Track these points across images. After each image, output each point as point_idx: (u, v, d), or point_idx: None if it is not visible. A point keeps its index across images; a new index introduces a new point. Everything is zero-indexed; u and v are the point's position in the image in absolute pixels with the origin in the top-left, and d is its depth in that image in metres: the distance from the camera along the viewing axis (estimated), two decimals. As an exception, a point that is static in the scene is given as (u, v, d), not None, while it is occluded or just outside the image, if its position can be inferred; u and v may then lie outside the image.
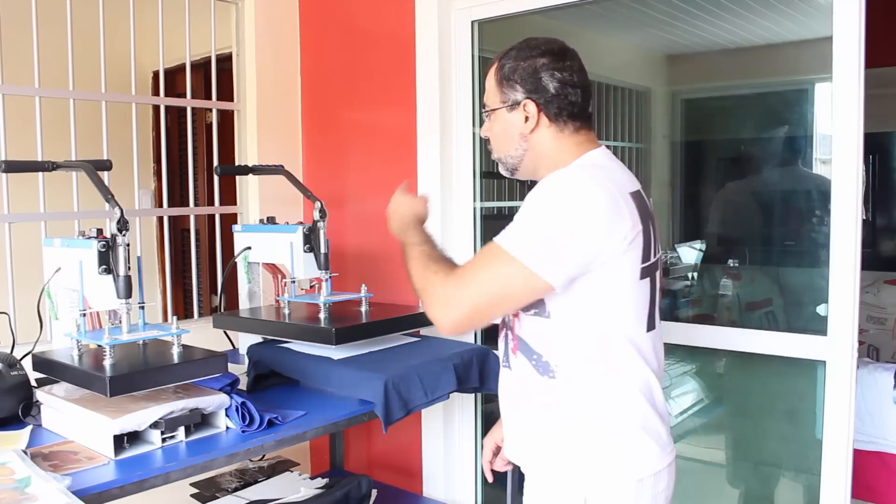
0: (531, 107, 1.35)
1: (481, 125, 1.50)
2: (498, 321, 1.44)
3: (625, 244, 1.25)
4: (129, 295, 1.57)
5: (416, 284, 1.38)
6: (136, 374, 1.49)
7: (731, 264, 2.44)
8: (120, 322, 1.60)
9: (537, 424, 1.36)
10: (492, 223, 2.55)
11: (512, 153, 1.40)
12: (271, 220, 2.28)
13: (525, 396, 1.37)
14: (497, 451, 1.61)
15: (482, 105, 1.43)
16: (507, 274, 1.24)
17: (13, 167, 1.77)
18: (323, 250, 2.08)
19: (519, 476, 1.50)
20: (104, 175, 1.96)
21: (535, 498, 1.41)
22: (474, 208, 2.48)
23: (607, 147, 1.41)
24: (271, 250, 2.20)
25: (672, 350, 2.20)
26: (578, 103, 1.35)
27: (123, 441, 1.47)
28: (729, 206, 2.46)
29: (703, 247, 2.50)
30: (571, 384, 1.31)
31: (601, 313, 1.29)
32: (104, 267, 1.57)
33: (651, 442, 1.32)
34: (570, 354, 1.30)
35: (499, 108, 1.38)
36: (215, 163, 2.55)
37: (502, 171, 1.45)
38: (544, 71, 1.34)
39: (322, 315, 2.05)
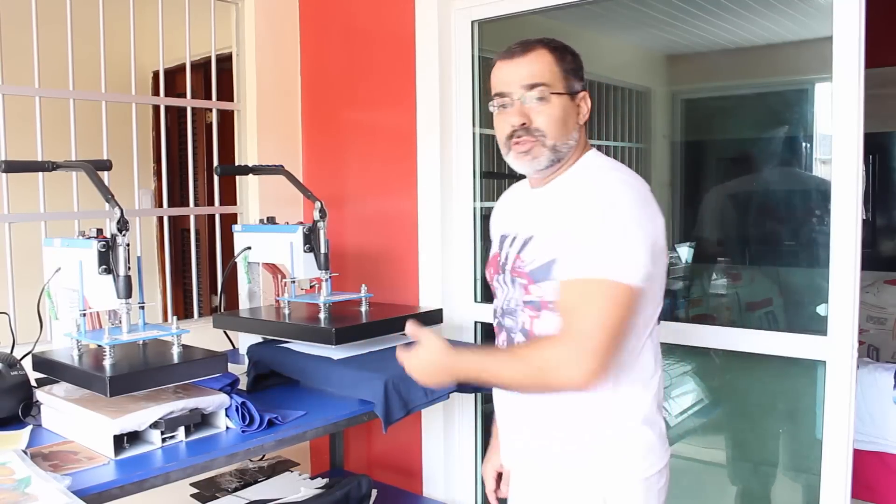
0: (587, 100, 1.36)
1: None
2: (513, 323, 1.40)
3: (664, 240, 1.30)
4: (129, 295, 1.57)
5: (527, 385, 1.27)
6: (136, 374, 1.49)
7: (731, 264, 2.44)
8: (120, 322, 1.60)
9: (556, 426, 1.33)
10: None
11: (569, 141, 1.34)
12: (271, 220, 2.28)
13: (542, 398, 1.34)
14: (499, 477, 1.59)
15: (526, 87, 1.31)
16: (617, 300, 1.19)
17: (13, 167, 1.77)
18: (323, 250, 2.08)
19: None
20: (104, 175, 1.96)
21: (552, 501, 1.37)
22: (474, 208, 2.48)
23: (608, 147, 1.42)
24: (271, 250, 2.20)
25: (672, 350, 2.20)
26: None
27: (123, 441, 1.47)
28: (729, 205, 2.46)
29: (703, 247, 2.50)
30: None
31: None
32: (104, 267, 1.57)
33: (660, 439, 1.34)
34: None
35: (564, 93, 1.33)
36: (215, 163, 2.55)
37: (542, 162, 1.33)
38: (582, 70, 1.37)
39: (322, 315, 2.05)
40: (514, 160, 1.36)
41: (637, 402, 1.31)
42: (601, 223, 1.21)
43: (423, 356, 1.31)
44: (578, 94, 1.35)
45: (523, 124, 1.32)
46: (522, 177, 1.47)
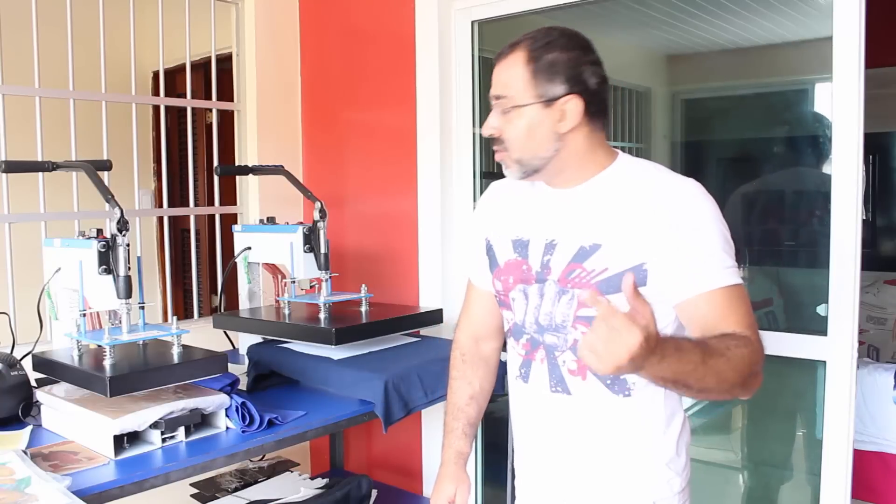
0: (575, 103, 1.20)
1: (481, 123, 1.38)
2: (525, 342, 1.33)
3: None
4: (129, 295, 1.57)
5: (735, 387, 1.11)
6: (136, 374, 1.49)
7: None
8: (120, 322, 1.60)
9: (607, 448, 1.27)
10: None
11: (540, 153, 1.23)
12: (271, 221, 2.28)
13: (593, 421, 1.27)
14: None
15: (494, 97, 1.24)
16: (747, 299, 1.19)
17: (13, 167, 1.77)
18: (323, 250, 2.08)
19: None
20: (104, 175, 1.96)
21: None
22: (474, 208, 2.47)
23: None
24: (271, 250, 2.20)
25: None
26: (607, 101, 1.27)
27: (123, 441, 1.47)
28: (728, 205, 2.46)
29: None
30: (646, 399, 1.25)
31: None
32: (104, 267, 1.57)
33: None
34: None
35: (530, 103, 1.20)
36: (215, 163, 2.56)
37: (514, 174, 1.27)
38: (585, 65, 1.22)
39: (322, 315, 2.05)
40: None
41: (680, 410, 1.32)
42: (714, 234, 1.17)
43: (622, 339, 0.95)
44: (559, 100, 1.20)
45: (491, 135, 1.26)
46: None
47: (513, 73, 1.22)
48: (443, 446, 1.51)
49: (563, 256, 1.25)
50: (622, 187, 1.24)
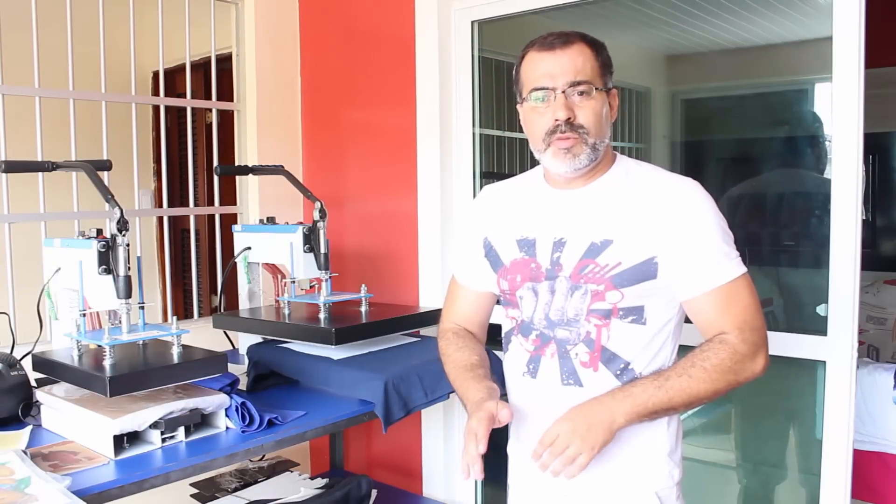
0: (617, 98, 1.33)
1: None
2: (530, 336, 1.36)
3: None
4: (129, 295, 1.57)
5: (721, 391, 1.25)
6: (136, 374, 1.49)
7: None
8: (120, 322, 1.60)
9: (615, 439, 1.26)
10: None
11: (605, 140, 1.30)
12: (271, 221, 2.28)
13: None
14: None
15: (571, 84, 1.25)
16: (752, 287, 1.28)
17: (13, 167, 1.77)
18: (323, 250, 2.08)
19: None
20: (104, 175, 1.96)
21: None
22: (466, 211, 2.47)
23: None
24: (271, 250, 2.20)
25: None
26: None
27: (123, 441, 1.47)
28: (728, 206, 2.46)
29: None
30: None
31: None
32: (104, 267, 1.57)
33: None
34: (658, 359, 1.30)
35: (602, 89, 1.28)
36: (215, 163, 2.55)
37: (583, 160, 1.27)
38: (612, 67, 1.33)
39: (322, 315, 2.05)
40: (551, 158, 1.28)
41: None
42: (712, 226, 1.25)
43: (563, 428, 1.20)
44: (612, 92, 1.31)
45: (568, 119, 1.25)
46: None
47: (586, 61, 1.26)
48: (467, 397, 1.34)
49: (575, 253, 1.29)
50: (627, 186, 1.31)
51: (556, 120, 1.25)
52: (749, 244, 2.38)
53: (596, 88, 1.26)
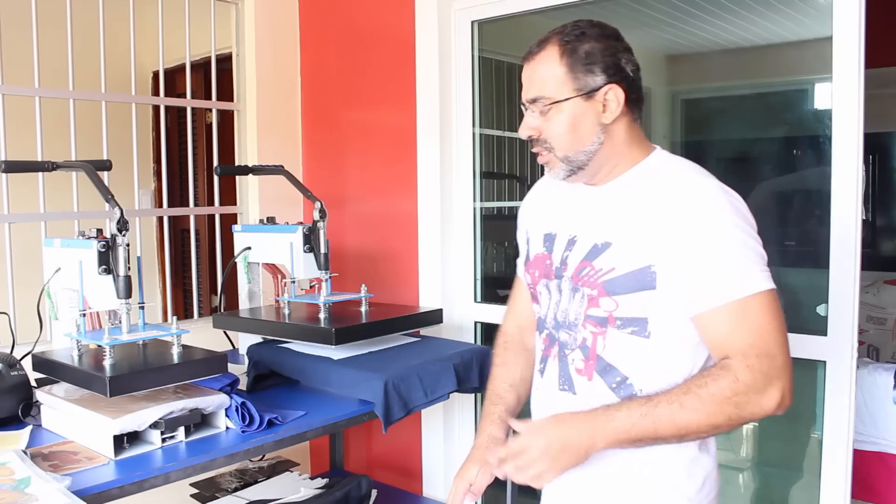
0: (616, 93, 1.19)
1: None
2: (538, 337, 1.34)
3: None
4: (128, 295, 1.57)
5: (720, 425, 1.11)
6: (136, 374, 1.49)
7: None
8: (120, 322, 1.60)
9: (605, 453, 1.20)
10: (492, 223, 2.55)
11: (585, 147, 1.21)
12: (271, 221, 2.28)
13: None
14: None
15: (529, 101, 1.22)
16: (775, 308, 1.13)
17: (13, 167, 1.77)
18: (323, 250, 2.08)
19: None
20: (104, 175, 1.96)
21: None
22: (474, 208, 2.48)
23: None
24: (271, 250, 2.20)
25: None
26: (641, 89, 1.25)
27: (123, 441, 1.47)
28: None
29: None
30: None
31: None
32: (104, 267, 1.57)
33: (714, 463, 1.29)
34: (667, 379, 1.17)
35: (570, 97, 1.18)
36: (215, 163, 2.56)
37: (559, 173, 1.24)
38: (621, 52, 1.21)
39: (322, 315, 2.05)
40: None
41: None
42: (724, 236, 1.13)
43: (535, 443, 1.14)
44: (599, 90, 1.19)
45: (531, 136, 1.23)
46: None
47: (547, 70, 1.20)
48: (478, 431, 1.43)
49: (579, 253, 1.25)
50: (643, 186, 1.22)
51: (525, 137, 1.25)
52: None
53: (553, 103, 1.19)
